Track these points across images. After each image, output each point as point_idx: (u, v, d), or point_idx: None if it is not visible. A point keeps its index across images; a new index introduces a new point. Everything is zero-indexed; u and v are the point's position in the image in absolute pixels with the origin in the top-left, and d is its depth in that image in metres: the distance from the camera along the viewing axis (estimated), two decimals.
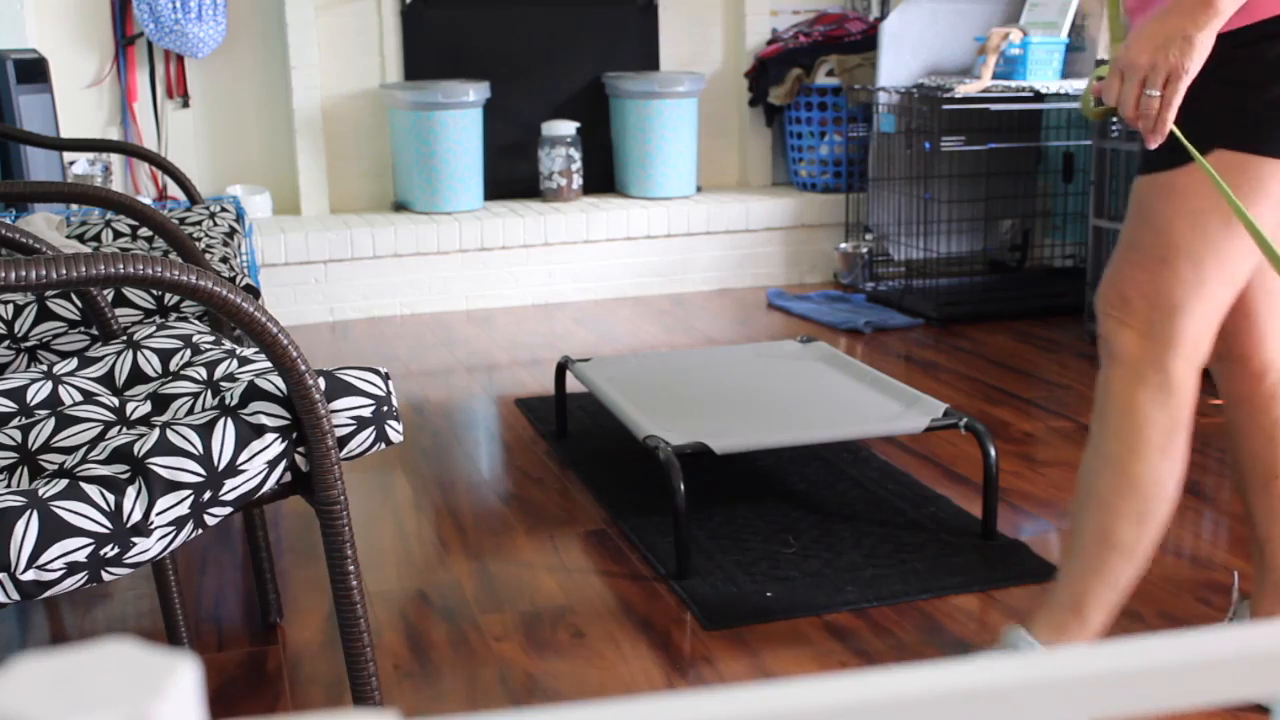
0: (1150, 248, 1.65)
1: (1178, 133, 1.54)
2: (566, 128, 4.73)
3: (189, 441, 1.27)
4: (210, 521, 1.28)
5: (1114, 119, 1.83)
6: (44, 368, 1.61)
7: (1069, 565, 1.73)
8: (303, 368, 1.30)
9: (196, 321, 1.80)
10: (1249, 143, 1.58)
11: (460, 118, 4.51)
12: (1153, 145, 1.55)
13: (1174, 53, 1.51)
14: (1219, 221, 1.60)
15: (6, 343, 1.83)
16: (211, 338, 1.68)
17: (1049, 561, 2.24)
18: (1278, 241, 1.56)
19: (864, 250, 4.54)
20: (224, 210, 2.72)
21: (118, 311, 1.99)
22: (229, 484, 1.28)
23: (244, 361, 1.54)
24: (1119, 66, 1.53)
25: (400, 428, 1.43)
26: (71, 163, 4.15)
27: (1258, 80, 1.58)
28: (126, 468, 1.24)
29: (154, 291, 2.04)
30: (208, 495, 1.26)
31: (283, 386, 1.34)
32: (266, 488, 1.33)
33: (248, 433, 1.30)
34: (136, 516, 1.21)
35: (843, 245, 4.61)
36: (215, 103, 4.64)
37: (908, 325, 4.07)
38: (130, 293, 2.03)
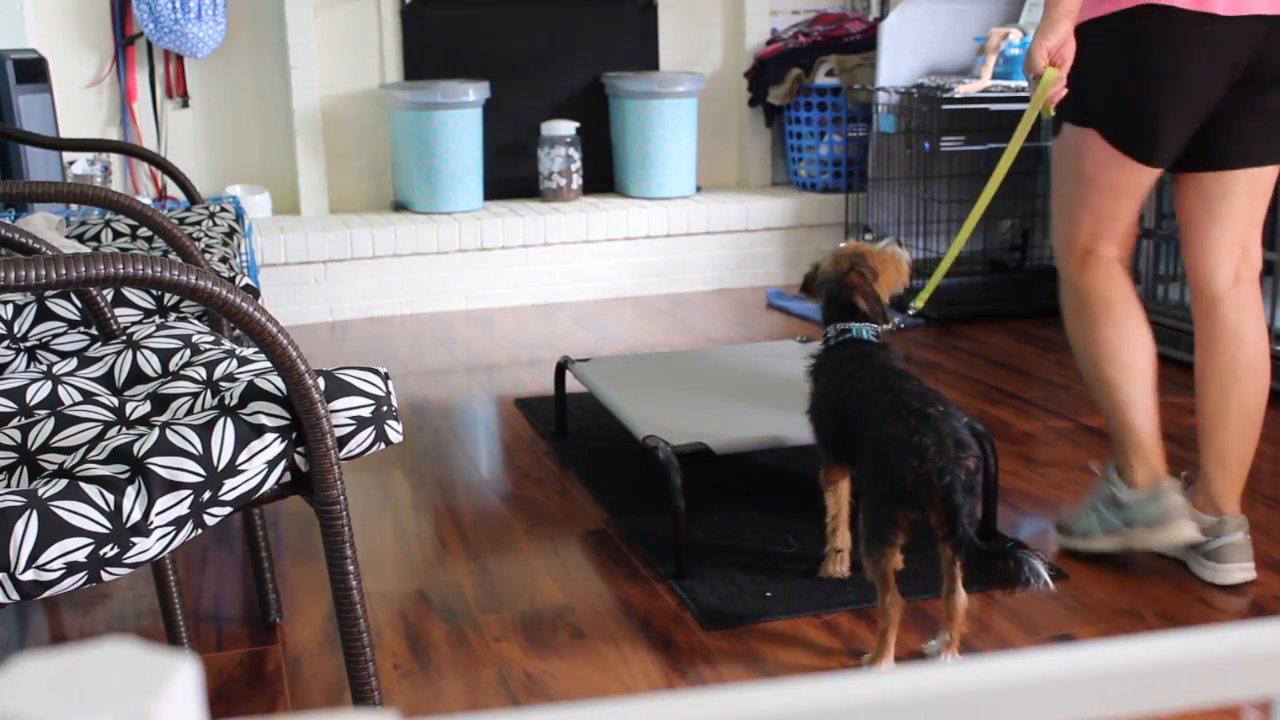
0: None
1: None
2: (566, 128, 4.73)
3: (189, 441, 1.27)
4: (210, 521, 1.28)
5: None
6: (44, 368, 1.61)
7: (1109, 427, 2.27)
8: (302, 368, 1.30)
9: (196, 321, 1.80)
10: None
11: (460, 118, 4.51)
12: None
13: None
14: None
15: (6, 343, 1.83)
16: (211, 338, 1.68)
17: (1049, 561, 2.24)
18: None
19: None
20: (223, 210, 2.72)
21: (118, 311, 1.99)
22: (229, 484, 1.28)
23: (243, 361, 1.54)
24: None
25: (400, 428, 1.43)
26: (71, 163, 4.15)
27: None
28: (126, 468, 1.24)
29: (154, 291, 2.04)
30: (207, 495, 1.26)
31: (282, 386, 1.34)
32: (266, 488, 1.33)
33: (247, 433, 1.30)
34: (136, 516, 1.21)
35: (842, 245, 4.60)
36: (215, 103, 4.64)
37: (908, 325, 4.07)
38: (130, 293, 2.03)
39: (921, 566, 2.22)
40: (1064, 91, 2.09)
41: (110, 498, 1.21)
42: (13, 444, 1.38)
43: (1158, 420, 2.19)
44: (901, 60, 4.42)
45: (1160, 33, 2.03)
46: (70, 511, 1.18)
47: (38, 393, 1.53)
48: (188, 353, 1.61)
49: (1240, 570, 2.16)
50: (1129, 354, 2.18)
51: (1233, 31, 2.02)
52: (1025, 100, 4.05)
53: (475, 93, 4.54)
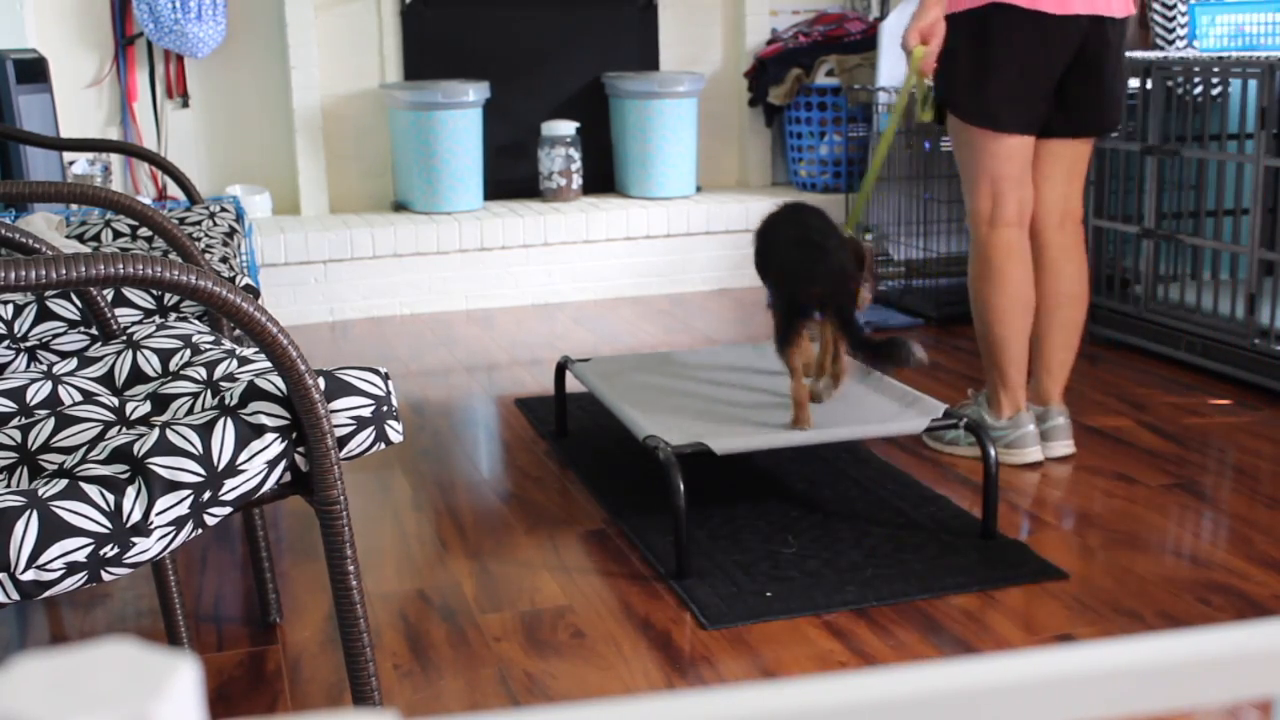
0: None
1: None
2: (566, 128, 4.73)
3: (189, 441, 1.27)
4: (210, 521, 1.28)
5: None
6: (44, 368, 1.61)
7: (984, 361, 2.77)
8: (302, 368, 1.30)
9: (196, 321, 1.80)
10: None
11: (460, 118, 4.51)
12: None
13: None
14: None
15: (6, 343, 1.83)
16: (211, 338, 1.68)
17: (1049, 561, 2.24)
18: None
19: None
20: (224, 210, 2.72)
21: (118, 311, 2.00)
22: (229, 484, 1.28)
23: (244, 361, 1.54)
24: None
25: (400, 428, 1.43)
26: (71, 163, 4.15)
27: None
28: (126, 468, 1.24)
29: (154, 291, 2.04)
30: (207, 495, 1.26)
31: (282, 386, 1.34)
32: (266, 488, 1.33)
33: (247, 433, 1.30)
34: (136, 516, 1.21)
35: None
36: (215, 103, 4.64)
37: (907, 325, 4.07)
38: (130, 293, 2.03)
39: (922, 567, 2.22)
40: (934, 64, 2.57)
41: (110, 498, 1.21)
42: (13, 444, 1.38)
43: (1026, 367, 2.70)
44: (901, 60, 4.42)
45: (1004, 26, 2.49)
46: (70, 511, 1.18)
47: (38, 393, 1.53)
48: (188, 353, 1.61)
49: (1063, 446, 2.74)
50: (1017, 319, 2.66)
51: (1062, 27, 2.51)
52: None
53: (475, 93, 4.54)
